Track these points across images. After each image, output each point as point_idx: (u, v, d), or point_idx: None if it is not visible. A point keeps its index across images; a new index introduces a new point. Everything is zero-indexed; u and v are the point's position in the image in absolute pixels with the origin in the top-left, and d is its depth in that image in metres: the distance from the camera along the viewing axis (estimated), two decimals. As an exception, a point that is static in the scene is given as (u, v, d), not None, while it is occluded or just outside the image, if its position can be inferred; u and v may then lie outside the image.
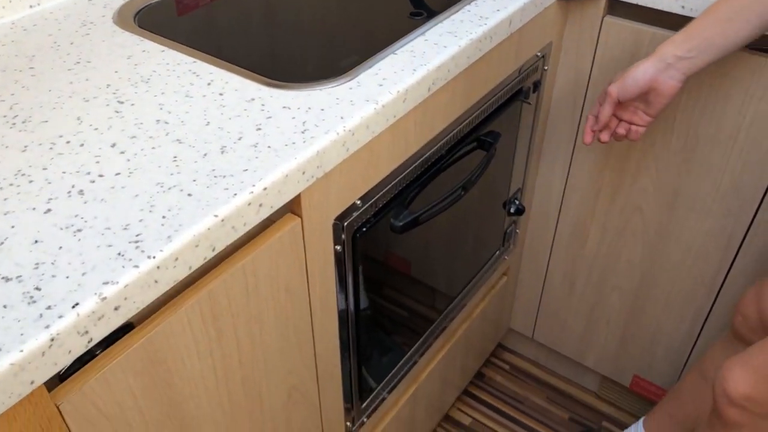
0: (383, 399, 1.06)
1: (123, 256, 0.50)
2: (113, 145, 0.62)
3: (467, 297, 1.21)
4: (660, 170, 1.08)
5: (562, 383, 1.52)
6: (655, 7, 0.94)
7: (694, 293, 1.17)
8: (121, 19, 0.84)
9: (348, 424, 0.96)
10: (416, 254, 1.03)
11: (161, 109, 0.67)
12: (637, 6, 0.97)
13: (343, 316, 0.82)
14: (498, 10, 0.85)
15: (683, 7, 0.91)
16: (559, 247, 1.30)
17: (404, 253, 1.00)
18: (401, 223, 0.83)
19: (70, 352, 0.46)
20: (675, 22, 0.94)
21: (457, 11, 0.85)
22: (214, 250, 0.55)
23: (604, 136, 0.95)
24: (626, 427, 1.32)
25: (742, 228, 1.05)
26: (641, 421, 1.25)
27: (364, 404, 1.00)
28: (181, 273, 0.53)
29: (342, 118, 0.66)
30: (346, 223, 0.74)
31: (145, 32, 0.81)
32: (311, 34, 0.85)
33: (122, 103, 0.68)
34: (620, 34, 1.01)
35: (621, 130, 0.93)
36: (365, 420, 1.01)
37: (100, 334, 0.48)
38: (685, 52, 0.82)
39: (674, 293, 1.20)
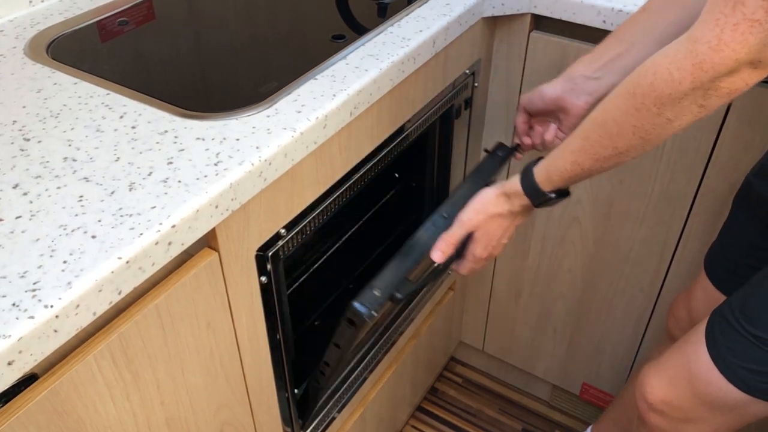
0: (333, 418, 1.04)
1: (18, 306, 0.48)
2: (15, 186, 0.60)
3: (414, 313, 1.20)
4: (593, 181, 1.10)
5: (514, 394, 1.52)
6: (577, 22, 0.95)
7: (634, 300, 1.19)
8: (32, 50, 0.81)
9: (291, 451, 0.94)
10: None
11: (70, 145, 0.65)
12: (561, 21, 0.98)
13: (275, 345, 0.80)
14: (420, 31, 0.85)
15: (604, 21, 0.93)
16: (503, 259, 1.31)
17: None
18: None
19: (-42, 413, 0.44)
20: (598, 36, 0.95)
21: (380, 33, 0.85)
22: (120, 293, 0.53)
23: (526, 140, 0.96)
24: (577, 435, 1.33)
25: (675, 235, 1.07)
26: (590, 428, 1.26)
27: (311, 427, 0.98)
28: (85, 320, 0.51)
29: (257, 147, 0.64)
30: (270, 254, 0.72)
31: (58, 64, 0.79)
32: (233, 61, 0.83)
33: (28, 140, 0.66)
34: (547, 49, 1.02)
35: (536, 140, 0.93)
36: (310, 446, 0.99)
37: (-7, 391, 0.46)
38: (592, 73, 0.83)
39: (615, 300, 1.21)
